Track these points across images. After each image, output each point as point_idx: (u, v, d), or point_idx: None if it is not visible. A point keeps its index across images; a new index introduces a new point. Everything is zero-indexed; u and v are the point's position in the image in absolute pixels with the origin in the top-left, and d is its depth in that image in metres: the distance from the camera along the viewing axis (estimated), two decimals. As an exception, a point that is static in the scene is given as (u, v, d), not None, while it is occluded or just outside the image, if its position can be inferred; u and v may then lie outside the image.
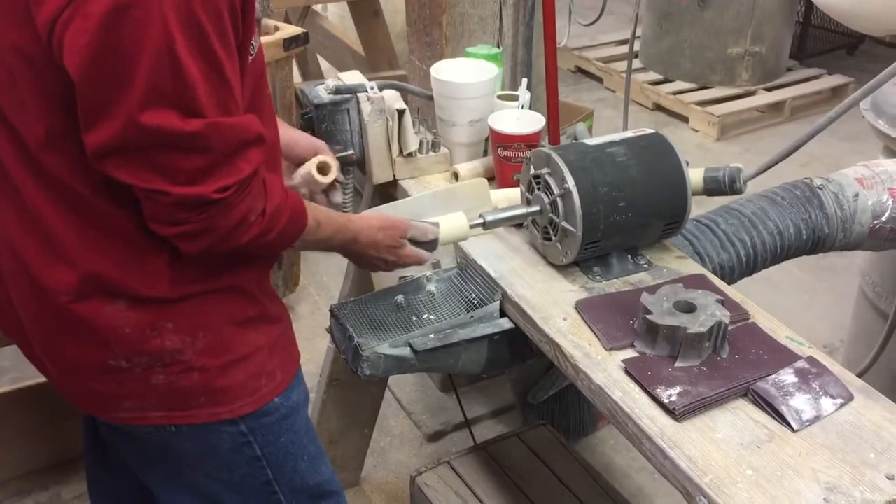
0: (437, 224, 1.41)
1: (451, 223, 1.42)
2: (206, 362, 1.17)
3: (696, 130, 4.32)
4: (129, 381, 1.16)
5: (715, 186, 1.69)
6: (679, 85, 4.55)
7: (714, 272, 1.62)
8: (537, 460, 1.94)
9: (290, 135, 1.48)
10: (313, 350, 2.48)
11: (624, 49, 4.90)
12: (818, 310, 3.02)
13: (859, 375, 2.34)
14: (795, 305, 2.99)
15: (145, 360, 1.14)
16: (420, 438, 2.47)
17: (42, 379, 1.60)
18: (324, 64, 4.00)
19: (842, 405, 1.19)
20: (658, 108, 4.56)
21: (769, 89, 4.52)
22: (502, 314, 1.46)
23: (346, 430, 2.18)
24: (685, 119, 4.41)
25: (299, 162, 1.48)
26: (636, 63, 4.69)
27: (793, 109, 4.45)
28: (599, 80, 4.90)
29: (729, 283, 1.68)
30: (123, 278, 1.11)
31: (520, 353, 1.51)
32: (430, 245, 1.41)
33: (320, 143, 1.52)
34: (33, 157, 1.07)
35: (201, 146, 1.00)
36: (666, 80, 4.63)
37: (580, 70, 5.05)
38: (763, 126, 4.40)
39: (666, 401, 1.17)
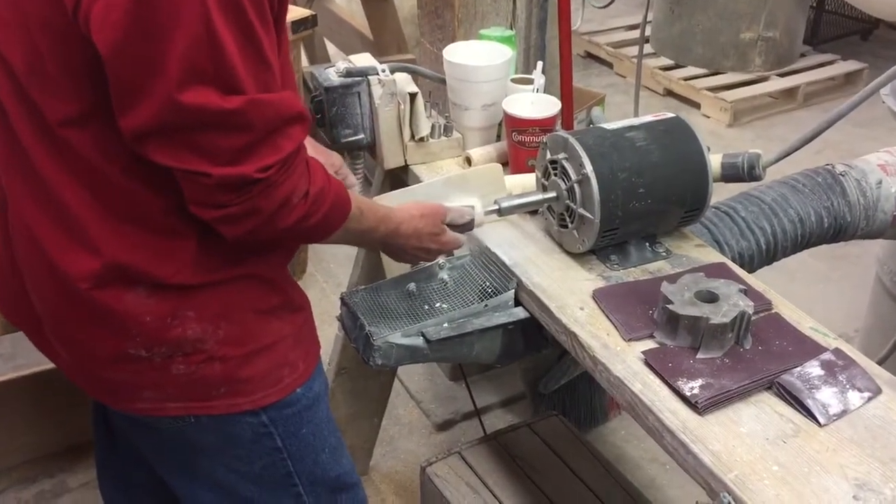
0: (472, 207, 1.37)
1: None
2: (228, 352, 1.13)
3: (708, 117, 4.27)
4: (148, 371, 1.12)
5: (733, 173, 1.65)
6: (690, 70, 4.49)
7: (733, 260, 1.58)
8: (549, 451, 1.91)
9: None
10: (321, 338, 2.44)
11: (635, 34, 4.85)
12: (833, 298, 2.98)
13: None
14: (810, 294, 2.95)
15: (165, 349, 1.11)
16: (429, 427, 2.44)
17: (46, 366, 1.57)
18: (331, 48, 3.95)
19: (869, 399, 1.15)
20: (669, 93, 4.50)
21: (782, 75, 4.46)
22: (517, 303, 1.43)
23: (354, 420, 2.15)
24: (696, 105, 4.35)
25: None
26: (647, 48, 4.63)
27: (806, 96, 4.39)
28: (609, 65, 4.84)
29: (749, 272, 1.64)
30: (147, 265, 1.07)
31: (535, 343, 1.47)
32: (467, 227, 1.38)
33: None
34: (57, 136, 1.02)
35: (242, 124, 0.96)
36: (677, 66, 4.56)
37: (590, 55, 4.98)
38: (776, 112, 4.34)
39: (688, 393, 1.14)
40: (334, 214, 1.13)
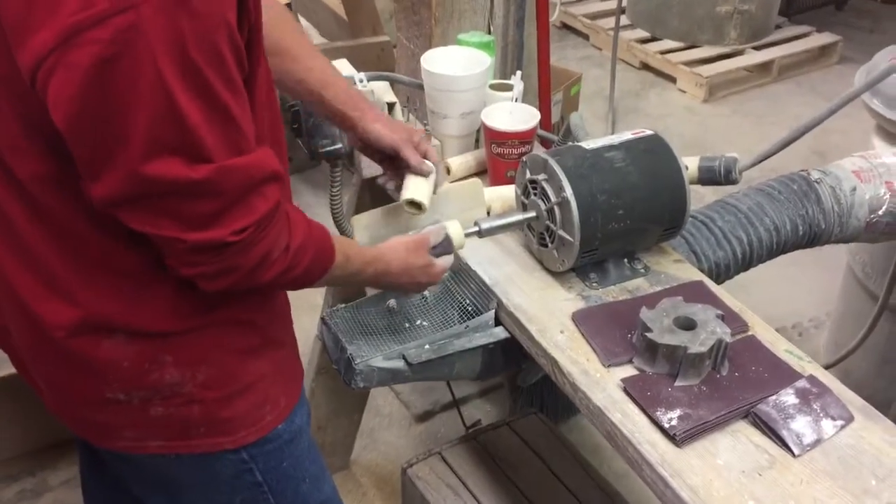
0: (440, 223, 1.36)
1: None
2: (207, 395, 1.13)
3: (684, 91, 4.27)
4: (127, 413, 1.12)
5: (710, 177, 1.67)
6: (667, 44, 4.48)
7: (710, 270, 1.60)
8: (528, 450, 1.94)
9: (371, 129, 1.40)
10: (299, 328, 2.44)
11: (611, 4, 4.81)
12: (805, 282, 3.02)
13: (846, 356, 2.36)
14: (782, 278, 2.98)
15: (143, 393, 1.11)
16: (409, 419, 2.47)
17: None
18: (304, 22, 3.89)
19: (842, 427, 1.18)
20: (645, 67, 4.49)
21: (757, 48, 4.46)
22: (497, 322, 1.44)
23: (334, 416, 2.16)
24: (672, 79, 4.34)
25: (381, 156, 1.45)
26: (623, 20, 4.60)
27: (781, 69, 4.40)
28: (585, 36, 4.81)
29: (724, 281, 1.67)
30: (124, 314, 1.06)
31: (515, 360, 1.49)
32: (446, 244, 1.36)
33: (396, 139, 1.40)
34: (26, 192, 1.01)
35: (212, 191, 0.95)
36: (653, 39, 4.55)
37: (565, 26, 4.95)
38: (751, 86, 4.35)
39: (666, 425, 1.16)
40: (317, 264, 1.12)
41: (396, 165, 1.44)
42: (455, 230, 1.39)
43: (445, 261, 1.35)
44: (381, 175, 1.51)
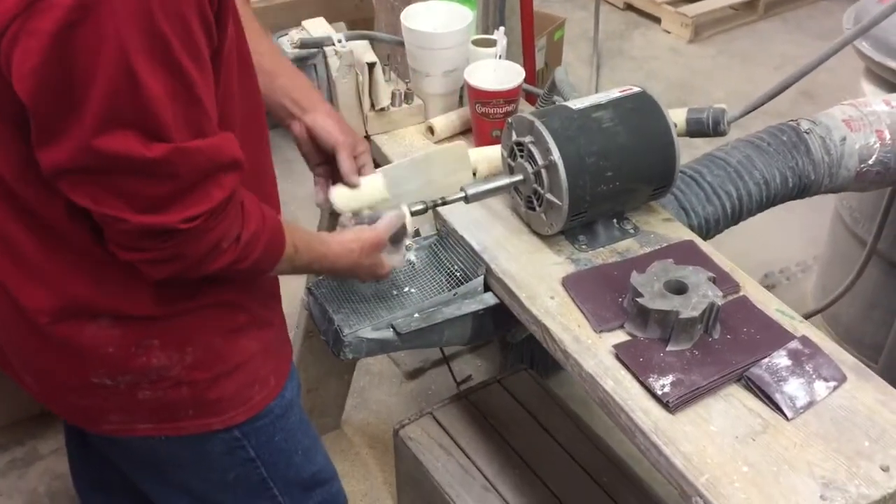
0: (401, 212, 1.32)
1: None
2: (195, 376, 1.11)
3: (669, 32, 4.20)
4: (114, 397, 1.11)
5: (698, 129, 1.65)
6: (650, -18, 4.40)
7: (699, 226, 1.59)
8: (519, 407, 1.94)
9: (323, 122, 1.32)
10: (286, 290, 2.42)
11: (593, -58, 4.70)
12: (792, 227, 3.00)
13: (834, 301, 2.36)
14: (769, 222, 2.95)
15: (130, 377, 1.09)
16: (399, 376, 2.46)
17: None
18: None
19: (835, 388, 1.18)
20: (629, 7, 4.41)
21: (742, -15, 4.39)
22: (486, 287, 1.42)
23: (325, 378, 2.15)
24: (657, 19, 4.27)
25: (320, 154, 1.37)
26: (606, -42, 4.50)
27: (766, 6, 4.33)
28: (568, -24, 4.71)
29: (714, 235, 1.65)
30: (108, 299, 1.04)
31: (504, 324, 1.47)
32: (402, 231, 1.33)
33: (341, 140, 1.31)
34: (2, 181, 0.98)
35: (167, 173, 0.90)
36: (637, -23, 4.46)
37: (547, -34, 4.84)
38: (737, 25, 4.28)
39: (659, 392, 1.15)
40: (267, 255, 1.08)
41: (330, 170, 1.37)
42: (407, 219, 1.33)
43: (395, 261, 1.33)
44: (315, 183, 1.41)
